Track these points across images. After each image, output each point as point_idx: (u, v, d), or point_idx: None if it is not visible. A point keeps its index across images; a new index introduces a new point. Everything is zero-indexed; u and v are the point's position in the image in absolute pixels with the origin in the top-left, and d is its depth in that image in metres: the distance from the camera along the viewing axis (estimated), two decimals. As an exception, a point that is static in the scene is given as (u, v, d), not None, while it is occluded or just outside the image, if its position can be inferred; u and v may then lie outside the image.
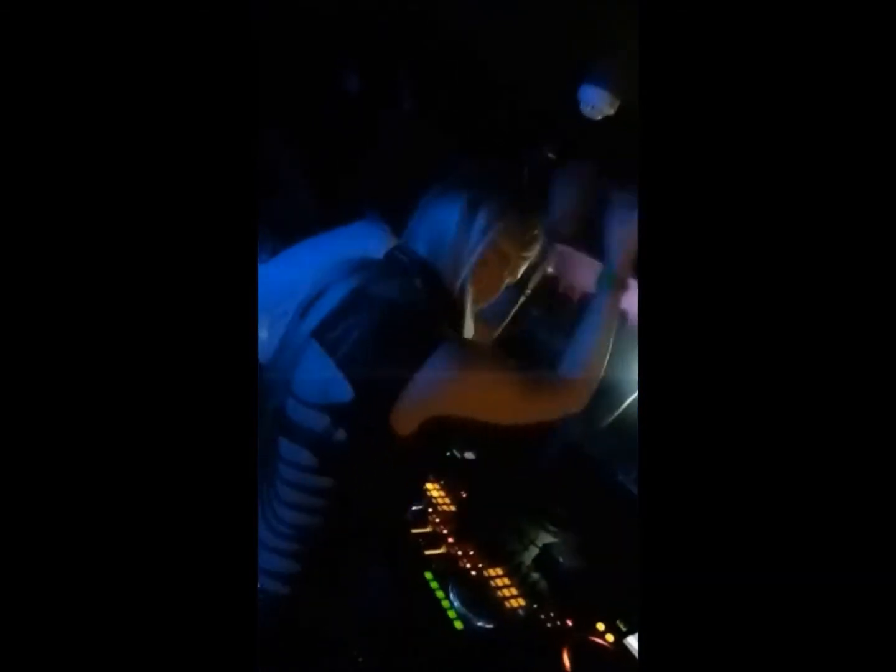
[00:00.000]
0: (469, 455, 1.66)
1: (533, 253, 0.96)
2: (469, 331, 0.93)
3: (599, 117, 1.30)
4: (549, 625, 1.22)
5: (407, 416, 0.81)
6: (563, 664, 1.11)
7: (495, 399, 0.85)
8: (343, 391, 0.81)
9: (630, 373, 1.44)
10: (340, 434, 0.82)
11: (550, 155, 1.95)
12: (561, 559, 1.43)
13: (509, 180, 0.99)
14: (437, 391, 0.79)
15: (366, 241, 1.68)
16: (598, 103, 1.27)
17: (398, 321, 0.84)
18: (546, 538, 1.53)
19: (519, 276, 0.98)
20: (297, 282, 1.71)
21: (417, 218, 0.93)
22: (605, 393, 1.53)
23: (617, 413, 1.60)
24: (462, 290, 0.88)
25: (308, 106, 2.08)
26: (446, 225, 0.88)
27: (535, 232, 0.94)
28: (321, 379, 0.85)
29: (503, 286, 0.97)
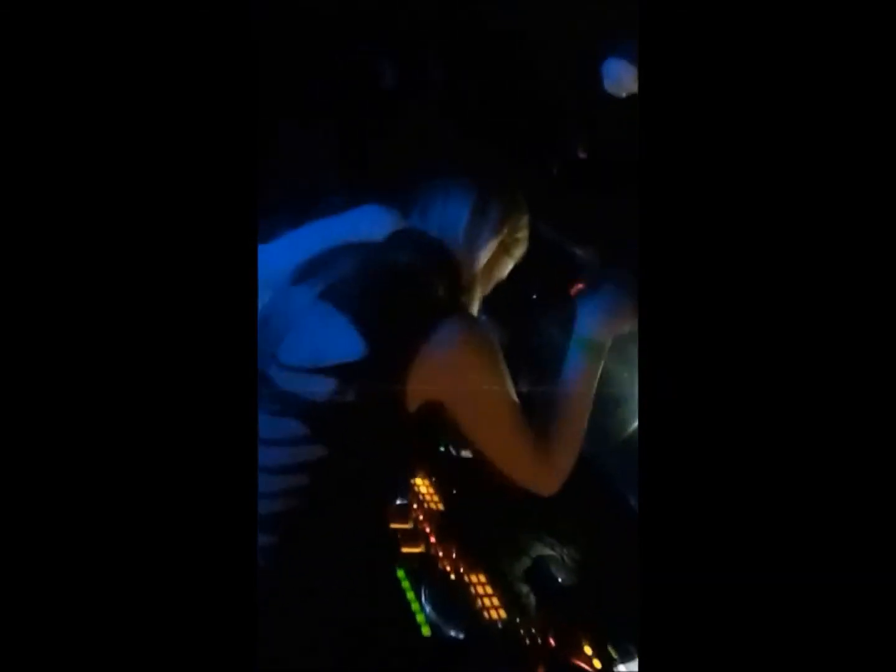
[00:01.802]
0: (465, 453, 1.57)
1: (521, 253, 0.97)
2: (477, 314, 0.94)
3: (624, 94, 1.21)
4: (527, 640, 1.10)
5: (414, 390, 0.77)
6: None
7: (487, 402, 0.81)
8: (355, 349, 0.76)
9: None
10: (347, 396, 0.77)
11: (581, 154, 1.86)
12: (555, 574, 1.32)
13: (518, 176, 1.01)
14: (443, 363, 0.77)
15: (371, 225, 1.63)
16: (623, 78, 1.18)
17: (411, 291, 0.83)
18: (541, 550, 1.41)
19: (505, 275, 0.99)
20: (299, 265, 1.67)
21: (425, 203, 0.93)
22: (616, 407, 1.45)
23: (630, 430, 1.51)
24: (475, 277, 0.91)
25: (323, 89, 2.05)
26: (458, 213, 0.90)
27: (526, 233, 0.96)
28: (324, 338, 0.80)
29: (497, 279, 0.98)
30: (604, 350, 0.91)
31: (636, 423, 1.47)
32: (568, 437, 0.87)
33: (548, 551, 1.41)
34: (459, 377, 0.79)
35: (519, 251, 0.97)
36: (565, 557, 1.40)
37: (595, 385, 0.91)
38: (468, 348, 0.79)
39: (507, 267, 0.98)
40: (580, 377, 0.89)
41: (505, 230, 0.92)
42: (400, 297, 0.83)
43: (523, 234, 0.96)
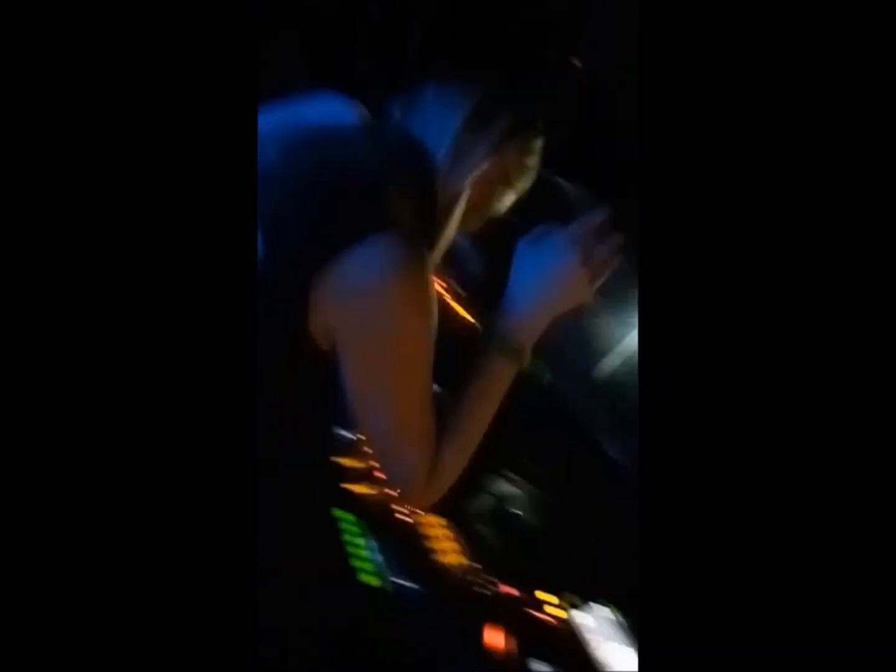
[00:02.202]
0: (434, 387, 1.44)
1: (527, 184, 0.79)
2: (440, 249, 0.75)
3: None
4: (488, 588, 1.01)
5: (315, 320, 0.66)
6: (497, 637, 0.91)
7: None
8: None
9: (623, 314, 1.25)
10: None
11: (576, 63, 1.66)
12: (520, 514, 1.26)
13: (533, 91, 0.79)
14: (352, 290, 0.65)
15: (330, 111, 1.48)
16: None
17: (359, 198, 0.67)
18: (505, 488, 1.32)
19: (504, 210, 0.81)
20: None
21: (412, 98, 0.75)
22: (588, 343, 1.34)
23: (603, 369, 1.41)
24: (455, 199, 0.73)
25: None
26: (451, 115, 0.72)
27: (536, 162, 0.78)
28: None
29: (490, 212, 0.81)
30: (522, 355, 0.75)
31: (609, 363, 1.40)
32: (463, 446, 0.76)
33: (511, 489, 1.32)
34: (366, 315, 0.65)
35: (523, 182, 0.79)
36: (530, 496, 1.32)
37: (503, 395, 0.76)
38: (390, 279, 0.64)
39: (505, 200, 0.80)
40: (490, 382, 0.74)
41: (509, 151, 0.74)
42: (342, 202, 0.67)
43: (532, 163, 0.78)
